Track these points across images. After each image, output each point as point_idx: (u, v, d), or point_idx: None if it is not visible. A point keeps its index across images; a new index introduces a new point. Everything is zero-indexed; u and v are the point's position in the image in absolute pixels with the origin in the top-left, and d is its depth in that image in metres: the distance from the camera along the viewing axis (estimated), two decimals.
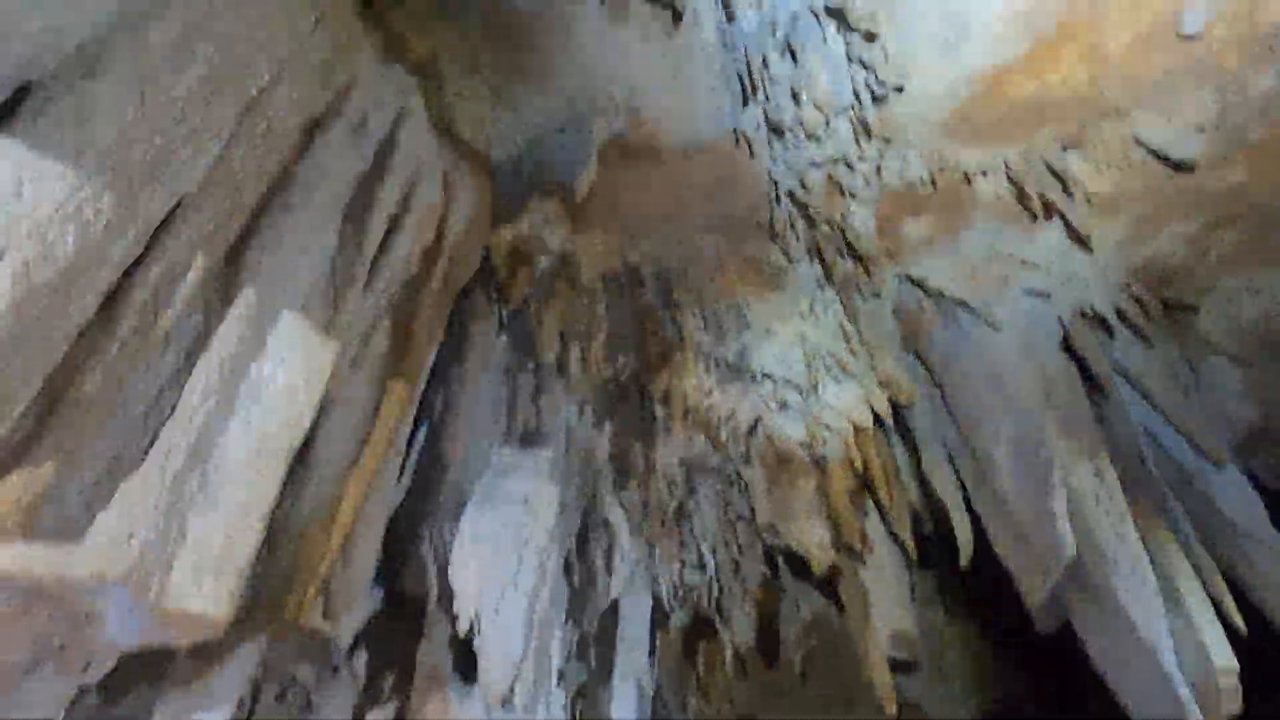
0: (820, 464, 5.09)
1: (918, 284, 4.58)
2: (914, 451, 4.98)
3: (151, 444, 1.97)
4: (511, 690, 3.71)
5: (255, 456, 2.15)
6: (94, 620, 1.81)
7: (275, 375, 2.28)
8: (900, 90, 3.63)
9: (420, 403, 3.54)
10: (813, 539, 5.08)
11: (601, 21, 3.57)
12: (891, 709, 5.39)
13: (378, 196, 2.88)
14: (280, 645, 3.39)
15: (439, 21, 3.62)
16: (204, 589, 1.91)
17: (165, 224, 2.08)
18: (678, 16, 3.42)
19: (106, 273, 1.81)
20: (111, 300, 1.91)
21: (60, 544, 1.69)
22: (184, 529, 1.93)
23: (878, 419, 4.95)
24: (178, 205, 2.13)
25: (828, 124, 3.61)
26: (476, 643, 3.66)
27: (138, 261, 2.00)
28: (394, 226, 2.99)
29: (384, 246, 2.93)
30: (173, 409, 2.02)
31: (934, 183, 4.09)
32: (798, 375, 4.80)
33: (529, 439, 4.22)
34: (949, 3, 3.38)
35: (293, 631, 2.45)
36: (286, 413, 2.27)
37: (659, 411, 4.99)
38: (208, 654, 3.01)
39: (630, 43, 3.61)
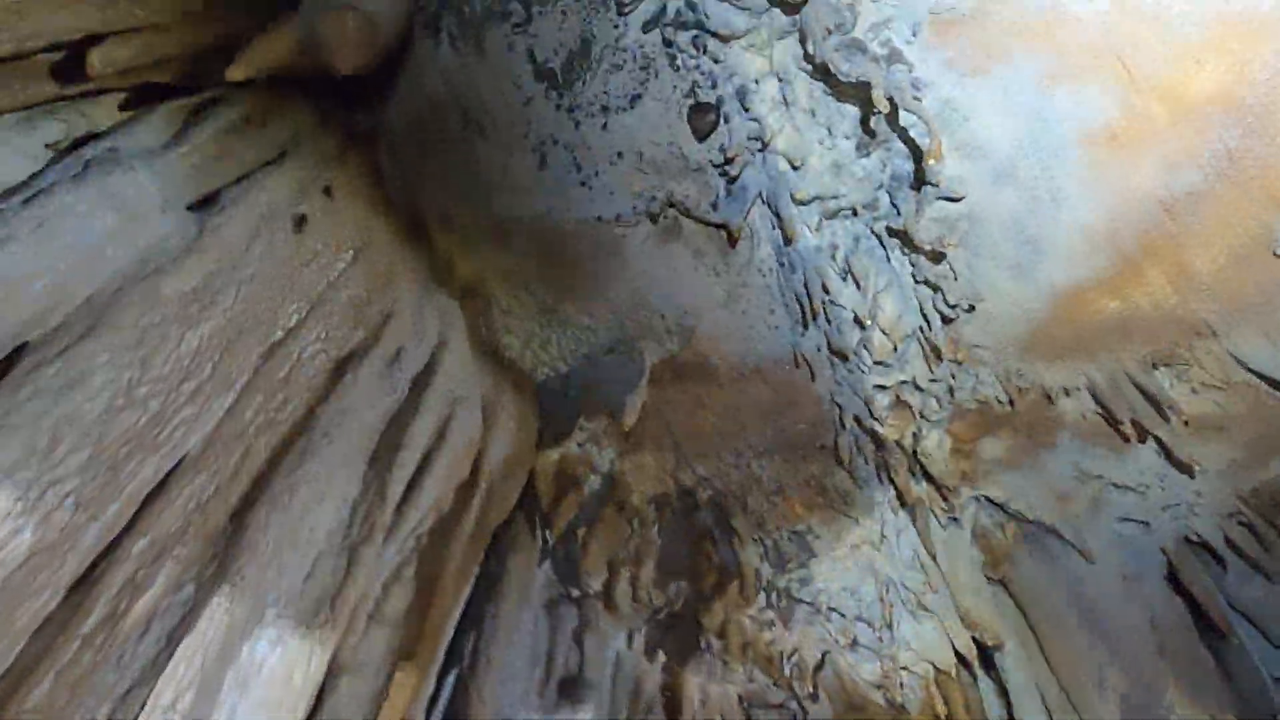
0: (898, 710, 4.54)
1: (999, 507, 4.19)
2: (1005, 699, 4.41)
3: None
4: None
5: None
6: None
7: (268, 658, 2.00)
8: (972, 310, 3.41)
9: (448, 649, 3.20)
10: None
11: (653, 243, 3.47)
12: None
13: (409, 434, 2.68)
14: None
15: (488, 243, 3.56)
16: None
17: (157, 490, 1.87)
18: (732, 239, 3.30)
19: (72, 563, 1.58)
20: (79, 586, 1.67)
21: None
22: None
23: (962, 660, 4.42)
24: (176, 466, 1.93)
25: (895, 349, 3.37)
26: None
27: (120, 534, 1.78)
28: (425, 465, 2.78)
29: (412, 488, 2.70)
30: (139, 711, 1.73)
31: (1012, 402, 3.78)
32: (870, 610, 4.36)
33: (569, 687, 3.82)
34: (1021, 224, 3.21)
35: None
36: (278, 703, 1.97)
37: (715, 644, 4.54)
38: None
39: (683, 264, 3.49)
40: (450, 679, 3.38)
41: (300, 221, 2.44)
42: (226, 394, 2.07)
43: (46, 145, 2.27)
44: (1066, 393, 3.77)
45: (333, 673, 2.35)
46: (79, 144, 2.29)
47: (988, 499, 4.19)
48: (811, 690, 4.61)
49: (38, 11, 1.83)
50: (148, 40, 2.21)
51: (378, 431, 2.58)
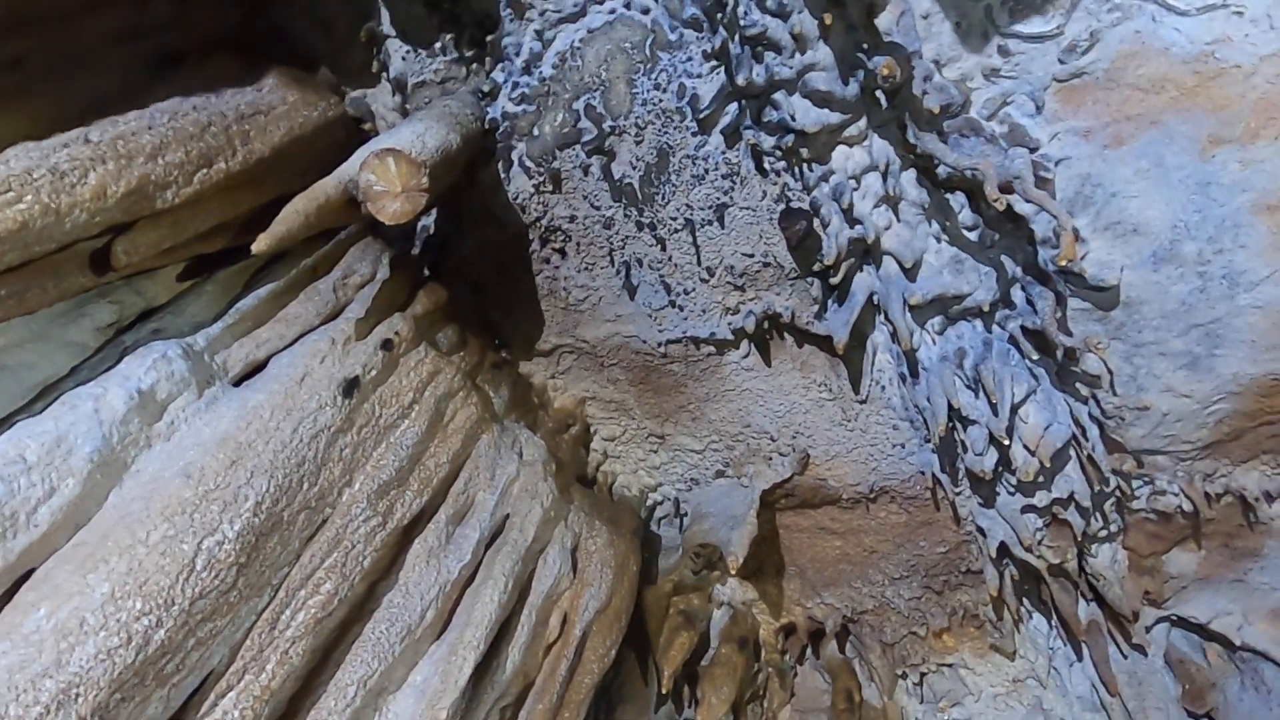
0: None
1: (1199, 629, 3.54)
2: None
3: None
4: None
5: None
6: None
7: None
8: (1140, 411, 2.89)
9: None
10: None
11: (754, 360, 3.16)
12: None
13: (481, 603, 2.44)
14: None
15: (584, 371, 3.36)
16: None
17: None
18: (839, 352, 2.93)
19: None
20: None
21: None
22: None
23: None
24: (196, 692, 1.77)
25: (1043, 466, 2.89)
26: None
27: None
28: (504, 631, 2.54)
29: (490, 660, 2.46)
30: None
31: (1198, 512, 3.19)
32: None
33: None
34: (1190, 310, 2.70)
35: None
36: None
37: None
38: None
39: (789, 381, 3.16)
40: None
41: (350, 386, 2.28)
42: (260, 596, 1.90)
43: (98, 329, 2.22)
44: (1270, 497, 3.15)
45: None
46: (128, 327, 2.23)
47: (1181, 620, 3.55)
48: None
49: (47, 220, 1.76)
50: (182, 218, 2.13)
51: (444, 604, 2.37)
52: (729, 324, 3.11)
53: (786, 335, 3.12)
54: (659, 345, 3.21)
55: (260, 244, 2.03)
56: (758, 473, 3.28)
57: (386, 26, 2.95)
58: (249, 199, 2.37)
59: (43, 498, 1.66)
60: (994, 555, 3.24)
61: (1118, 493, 3.10)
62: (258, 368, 2.30)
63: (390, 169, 2.26)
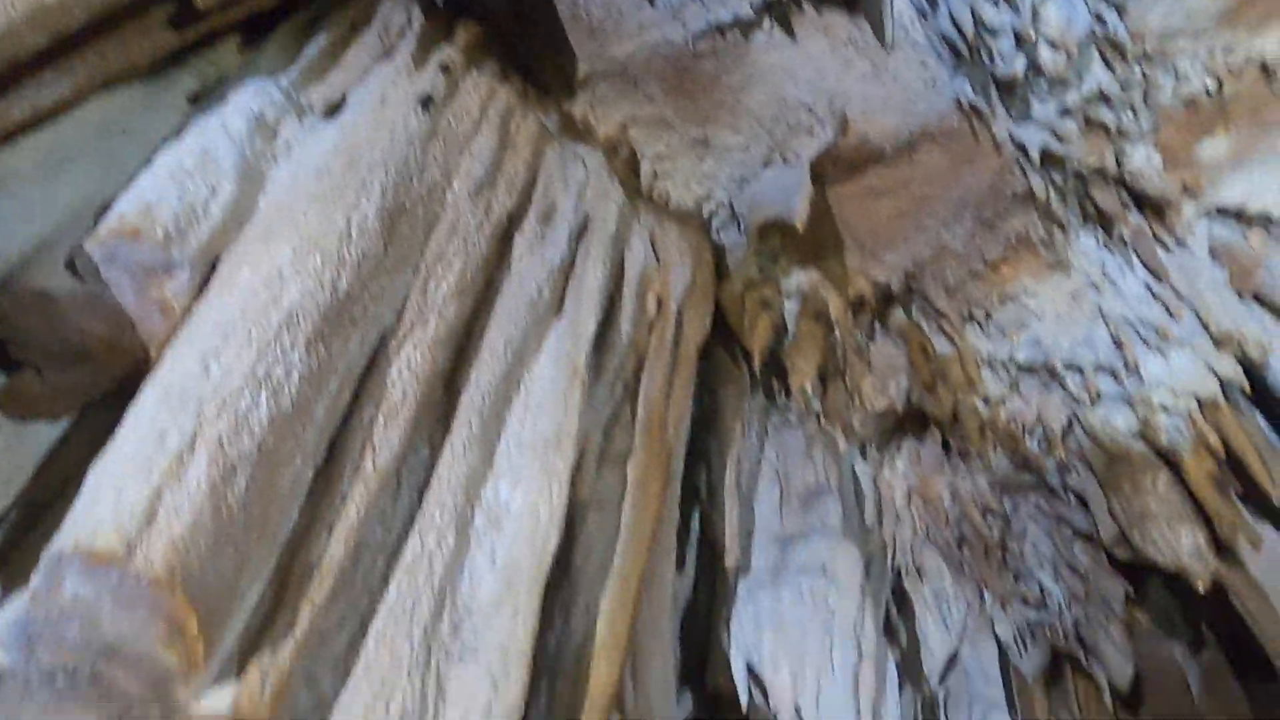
0: (1166, 455, 4.24)
1: (1235, 214, 3.75)
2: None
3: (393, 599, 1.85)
4: None
5: (505, 590, 1.98)
6: None
7: (512, 497, 2.13)
8: None
9: (687, 485, 3.30)
10: (1183, 547, 4.20)
11: (779, 36, 3.27)
12: None
13: (585, 281, 2.72)
14: None
15: (620, 95, 3.49)
16: None
17: (368, 366, 2.00)
18: (861, 9, 3.05)
19: (312, 432, 1.72)
20: (328, 456, 1.83)
21: None
22: (443, 686, 1.76)
23: (1225, 387, 4.04)
24: (380, 344, 2.06)
25: (1069, 59, 3.03)
26: None
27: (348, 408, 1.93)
28: (611, 310, 2.82)
29: (604, 332, 2.76)
30: (410, 556, 1.89)
31: (1222, 89, 3.34)
32: (1108, 357, 4.05)
33: (810, 499, 3.86)
34: None
35: None
36: (531, 535, 2.09)
37: (951, 436, 4.42)
38: None
39: (815, 48, 3.27)
40: (695, 513, 3.51)
41: (426, 101, 2.47)
42: (406, 270, 2.17)
43: (187, 96, 2.41)
44: None
45: (578, 509, 2.49)
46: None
47: (1219, 209, 3.75)
48: (1063, 459, 4.42)
49: None
50: None
51: (554, 286, 2.63)
52: (750, 2, 3.21)
53: (805, 4, 3.21)
54: (687, 42, 3.32)
55: None
56: (803, 145, 3.46)
57: None
58: None
59: (210, 195, 1.89)
60: (1039, 162, 3.43)
61: (1144, 82, 3.24)
62: (336, 107, 2.49)
63: None
